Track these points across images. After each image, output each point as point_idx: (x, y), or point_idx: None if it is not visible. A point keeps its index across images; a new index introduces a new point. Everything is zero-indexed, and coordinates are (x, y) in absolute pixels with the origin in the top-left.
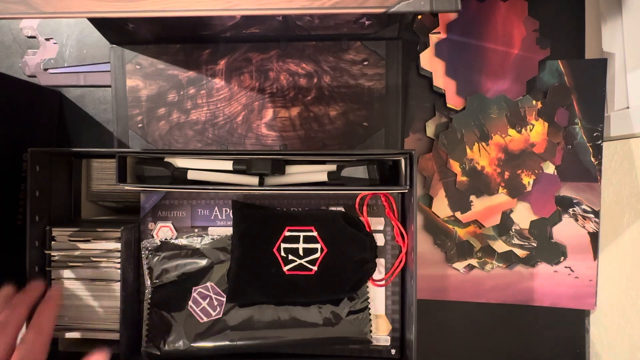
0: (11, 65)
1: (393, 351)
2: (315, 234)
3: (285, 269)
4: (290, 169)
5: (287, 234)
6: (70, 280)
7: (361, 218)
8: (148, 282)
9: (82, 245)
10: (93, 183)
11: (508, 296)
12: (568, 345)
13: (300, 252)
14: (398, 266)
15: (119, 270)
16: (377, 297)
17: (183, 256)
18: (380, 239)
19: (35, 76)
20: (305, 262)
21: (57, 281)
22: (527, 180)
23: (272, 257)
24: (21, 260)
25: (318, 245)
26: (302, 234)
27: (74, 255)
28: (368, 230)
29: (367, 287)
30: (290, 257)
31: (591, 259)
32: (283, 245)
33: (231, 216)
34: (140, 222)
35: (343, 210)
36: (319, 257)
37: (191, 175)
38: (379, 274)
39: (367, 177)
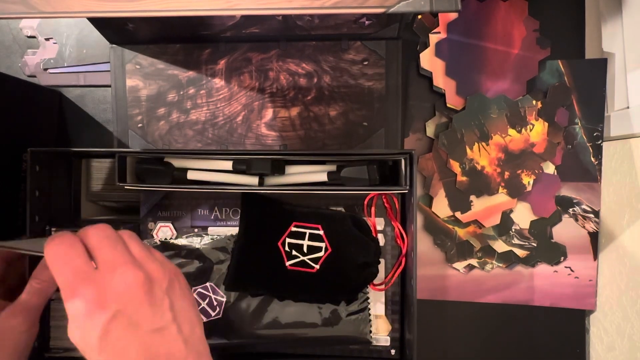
0: (11, 65)
1: (393, 351)
2: (321, 232)
3: (287, 263)
4: (290, 169)
5: (294, 229)
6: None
7: (367, 219)
8: None
9: None
10: (93, 183)
11: (508, 296)
12: (568, 345)
13: (305, 249)
14: (397, 270)
15: None
16: (377, 297)
17: (183, 256)
18: (380, 239)
19: (35, 76)
20: (308, 259)
21: (58, 303)
22: (527, 180)
23: (276, 251)
24: None
25: (323, 244)
26: (308, 231)
27: None
28: (374, 233)
29: (367, 288)
30: (294, 252)
31: (591, 259)
32: (288, 240)
33: (231, 216)
34: (140, 222)
35: (345, 211)
36: (322, 256)
37: (191, 175)
38: (379, 275)
39: (367, 177)
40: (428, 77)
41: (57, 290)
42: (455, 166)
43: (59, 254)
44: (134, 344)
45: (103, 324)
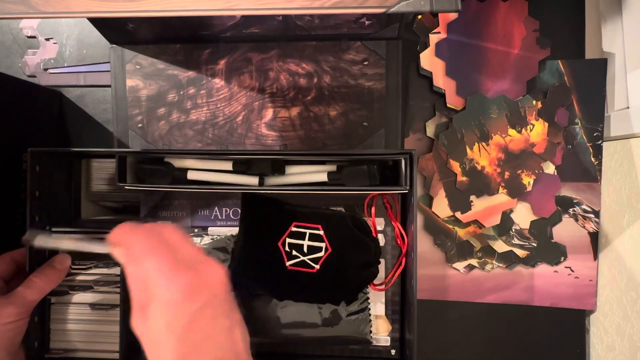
0: (11, 65)
1: (393, 351)
2: (321, 232)
3: (287, 263)
4: (290, 169)
5: (294, 229)
6: (69, 305)
7: (367, 219)
8: None
9: (82, 274)
10: (93, 183)
11: (508, 296)
12: (568, 345)
13: (305, 249)
14: (397, 270)
15: (118, 295)
16: (377, 297)
17: None
18: (380, 239)
19: (35, 76)
20: (309, 259)
21: (58, 305)
22: (527, 180)
23: (276, 251)
24: None
25: (323, 245)
26: (308, 231)
27: (74, 280)
28: (374, 233)
29: (367, 288)
30: (294, 252)
31: (591, 259)
32: (288, 240)
33: (231, 216)
34: (140, 222)
35: (345, 211)
36: (322, 257)
37: (191, 175)
38: (378, 275)
39: (367, 177)
40: (428, 77)
41: (54, 292)
42: (456, 166)
43: (152, 245)
44: (211, 339)
45: (193, 311)
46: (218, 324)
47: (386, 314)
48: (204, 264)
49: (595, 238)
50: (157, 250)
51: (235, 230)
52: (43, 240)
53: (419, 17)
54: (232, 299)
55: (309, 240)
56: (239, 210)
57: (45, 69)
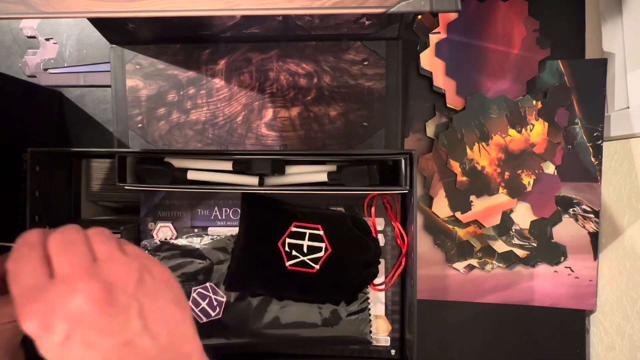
0: (11, 65)
1: (393, 351)
2: (321, 232)
3: (287, 264)
4: (290, 169)
5: (294, 229)
6: None
7: (367, 219)
8: None
9: None
10: (93, 183)
11: (508, 296)
12: (568, 345)
13: (305, 249)
14: (397, 270)
15: None
16: (377, 297)
17: (182, 256)
18: (380, 240)
19: (35, 76)
20: (309, 259)
21: None
22: (527, 180)
23: (276, 251)
24: None
25: (323, 245)
26: (308, 232)
27: None
28: (374, 233)
29: (367, 288)
30: (294, 252)
31: (591, 259)
32: (288, 240)
33: (231, 216)
34: (140, 222)
35: (345, 211)
36: (322, 257)
37: (191, 175)
38: (378, 275)
39: (367, 177)
40: (428, 77)
41: None
42: (455, 166)
43: (14, 265)
44: None
45: (55, 347)
46: (104, 347)
47: (386, 314)
48: (70, 281)
49: (595, 238)
50: (13, 285)
51: (235, 230)
52: None
53: (419, 17)
54: (130, 305)
55: (308, 240)
56: (239, 210)
57: (45, 69)
